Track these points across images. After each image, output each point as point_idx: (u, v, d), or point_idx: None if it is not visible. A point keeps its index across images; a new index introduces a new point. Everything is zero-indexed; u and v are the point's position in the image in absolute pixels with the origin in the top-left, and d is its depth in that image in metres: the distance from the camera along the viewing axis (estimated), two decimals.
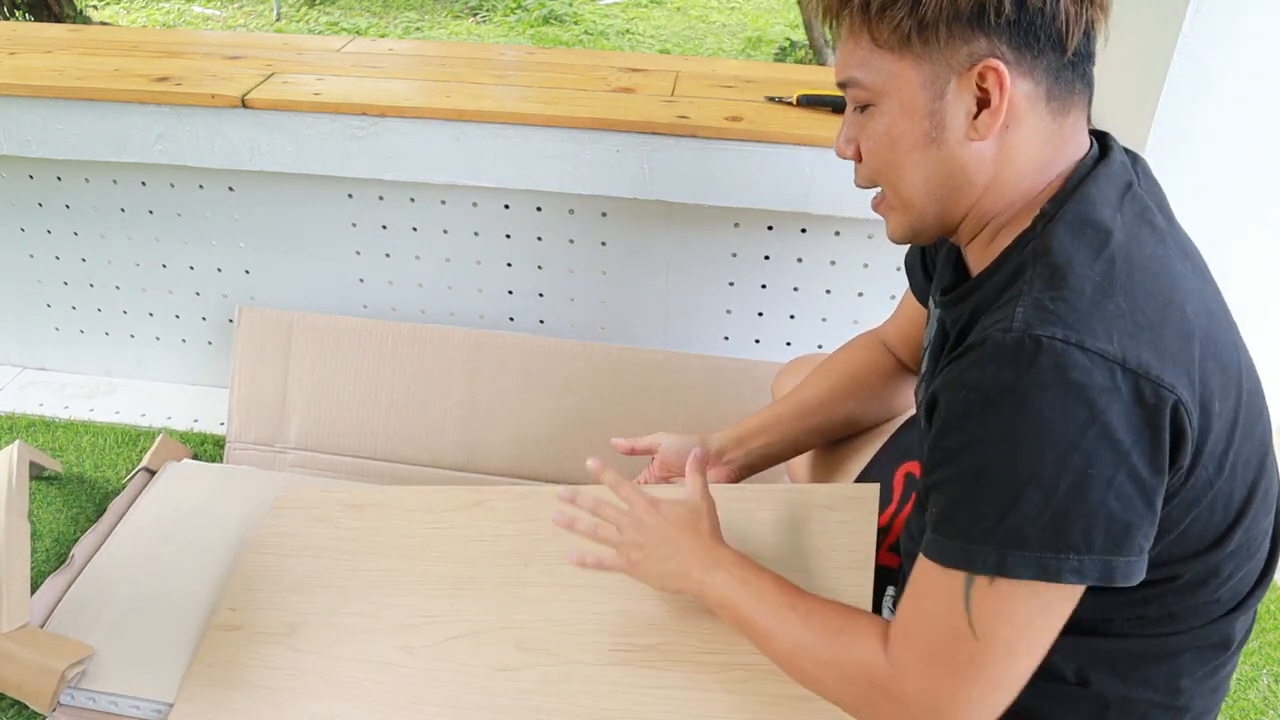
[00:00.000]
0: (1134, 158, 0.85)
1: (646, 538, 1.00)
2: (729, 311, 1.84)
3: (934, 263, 1.03)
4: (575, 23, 5.70)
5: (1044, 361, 0.68)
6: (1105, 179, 0.78)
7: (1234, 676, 1.46)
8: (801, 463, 1.33)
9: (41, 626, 1.38)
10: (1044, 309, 0.70)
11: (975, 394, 0.72)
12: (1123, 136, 1.52)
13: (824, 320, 1.82)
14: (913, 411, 1.24)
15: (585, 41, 5.44)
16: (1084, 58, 0.77)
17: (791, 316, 1.83)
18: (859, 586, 1.06)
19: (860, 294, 1.78)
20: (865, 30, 0.77)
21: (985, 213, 0.82)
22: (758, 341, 1.87)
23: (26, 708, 1.29)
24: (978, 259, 0.86)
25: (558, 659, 1.13)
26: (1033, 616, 0.73)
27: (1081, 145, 0.81)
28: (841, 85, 0.83)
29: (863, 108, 0.82)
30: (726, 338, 1.88)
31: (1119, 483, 0.69)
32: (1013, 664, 0.74)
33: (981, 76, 0.75)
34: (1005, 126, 0.76)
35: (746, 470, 1.22)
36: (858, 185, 0.88)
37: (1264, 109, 1.40)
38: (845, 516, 1.12)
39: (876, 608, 1.07)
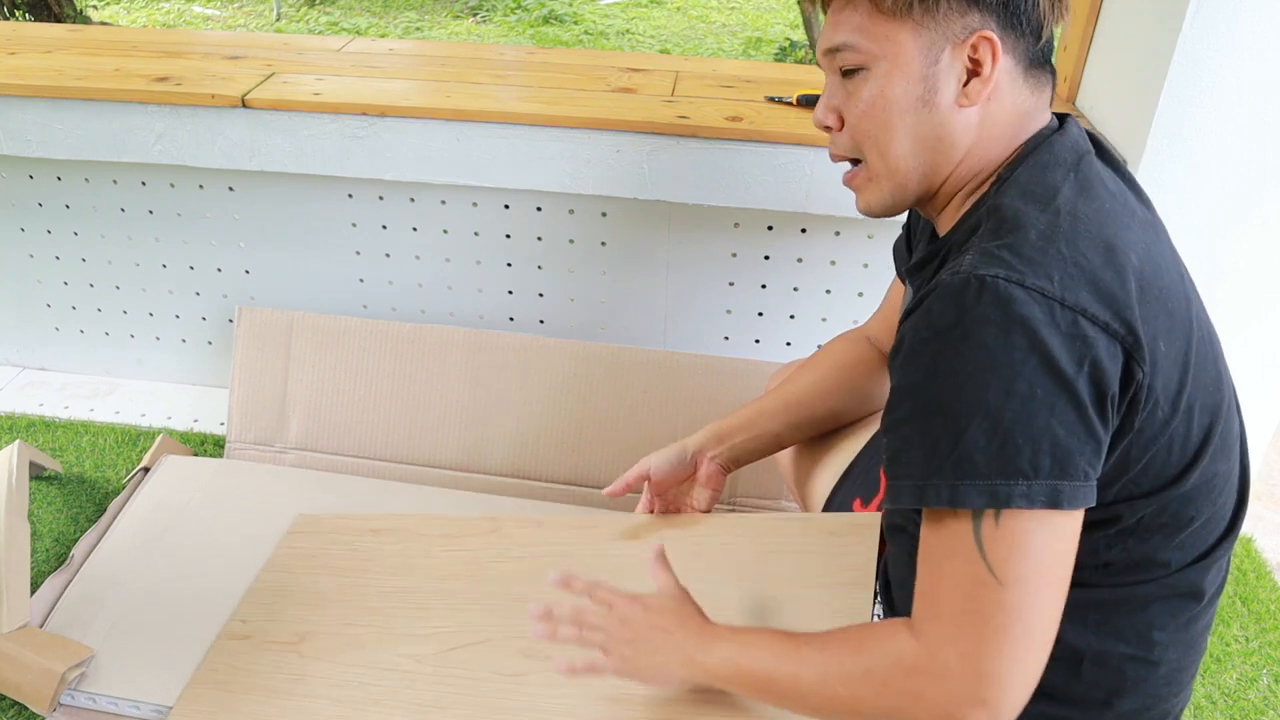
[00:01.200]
0: (1096, 141, 0.89)
1: (634, 632, 0.96)
2: (729, 311, 1.84)
3: (915, 237, 1.07)
4: (575, 23, 5.70)
5: (986, 297, 0.72)
6: (1060, 145, 0.84)
7: (1234, 677, 1.46)
8: (787, 458, 1.34)
9: (41, 626, 1.38)
10: (990, 254, 0.75)
11: (925, 331, 0.76)
12: (1123, 136, 1.53)
13: (824, 320, 1.82)
14: None
15: (585, 41, 5.44)
16: (1049, 49, 0.85)
17: (791, 316, 1.83)
18: (858, 601, 1.07)
19: (860, 294, 1.78)
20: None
21: (960, 179, 0.86)
22: (758, 341, 1.87)
23: (26, 708, 1.29)
24: (945, 223, 0.90)
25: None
26: (1045, 546, 0.74)
27: (1044, 121, 0.87)
28: (830, 51, 0.86)
29: (851, 72, 0.85)
30: (726, 338, 1.88)
31: (1060, 408, 0.72)
32: (1039, 604, 0.74)
33: (974, 48, 0.81)
34: (988, 98, 0.83)
35: (732, 464, 1.23)
36: (835, 155, 0.91)
37: (1264, 109, 1.40)
38: (847, 541, 1.13)
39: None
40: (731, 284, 1.81)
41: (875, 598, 1.08)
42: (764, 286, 1.80)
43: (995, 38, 0.81)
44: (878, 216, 0.92)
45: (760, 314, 1.84)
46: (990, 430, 0.73)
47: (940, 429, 0.75)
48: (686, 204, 1.66)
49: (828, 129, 0.91)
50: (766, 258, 1.76)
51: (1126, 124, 1.52)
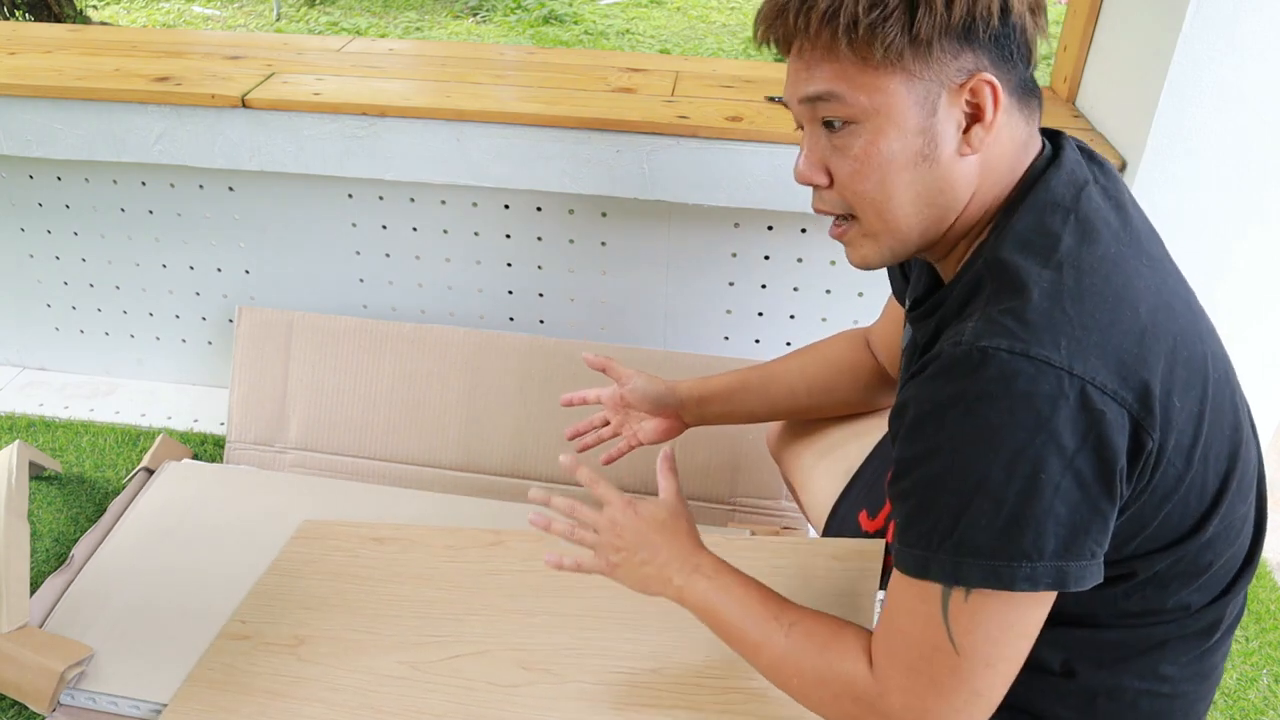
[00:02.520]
0: (1090, 155, 0.85)
1: (624, 540, 0.98)
2: (729, 311, 1.84)
3: (911, 264, 1.03)
4: (575, 23, 5.69)
5: (990, 371, 0.69)
6: (1055, 182, 0.79)
7: (1234, 677, 1.46)
8: (789, 458, 1.34)
9: (41, 626, 1.38)
10: (992, 321, 0.71)
11: (928, 405, 0.73)
12: (1123, 136, 1.53)
13: (824, 320, 1.82)
14: None
15: (585, 41, 5.44)
16: (1034, 67, 0.81)
17: (791, 316, 1.83)
18: (860, 611, 1.08)
19: (860, 294, 1.78)
20: (850, 50, 0.75)
21: (964, 226, 0.81)
22: (758, 341, 1.87)
23: (26, 708, 1.29)
24: (948, 270, 0.86)
25: (559, 678, 1.15)
26: (1009, 626, 0.74)
27: (1037, 147, 0.82)
28: (809, 100, 0.79)
29: (836, 125, 0.78)
30: (726, 338, 1.87)
31: (1066, 488, 0.69)
32: (993, 674, 0.75)
33: (974, 91, 0.75)
34: (991, 139, 0.78)
35: (699, 424, 1.28)
36: (821, 210, 0.84)
37: (1264, 109, 1.40)
38: (851, 566, 1.14)
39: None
40: (731, 284, 1.81)
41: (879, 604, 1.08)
42: (764, 286, 1.80)
43: (994, 79, 0.75)
44: (870, 270, 0.86)
45: (760, 314, 1.84)
46: (993, 510, 0.70)
47: (943, 506, 0.73)
48: (686, 204, 1.66)
49: (815, 186, 0.83)
50: (766, 258, 1.76)
51: (1126, 124, 1.52)
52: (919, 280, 0.94)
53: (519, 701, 1.14)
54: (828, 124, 0.79)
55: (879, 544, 1.13)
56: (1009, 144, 0.79)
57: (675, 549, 0.97)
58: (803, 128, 0.83)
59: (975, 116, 0.76)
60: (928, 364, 0.75)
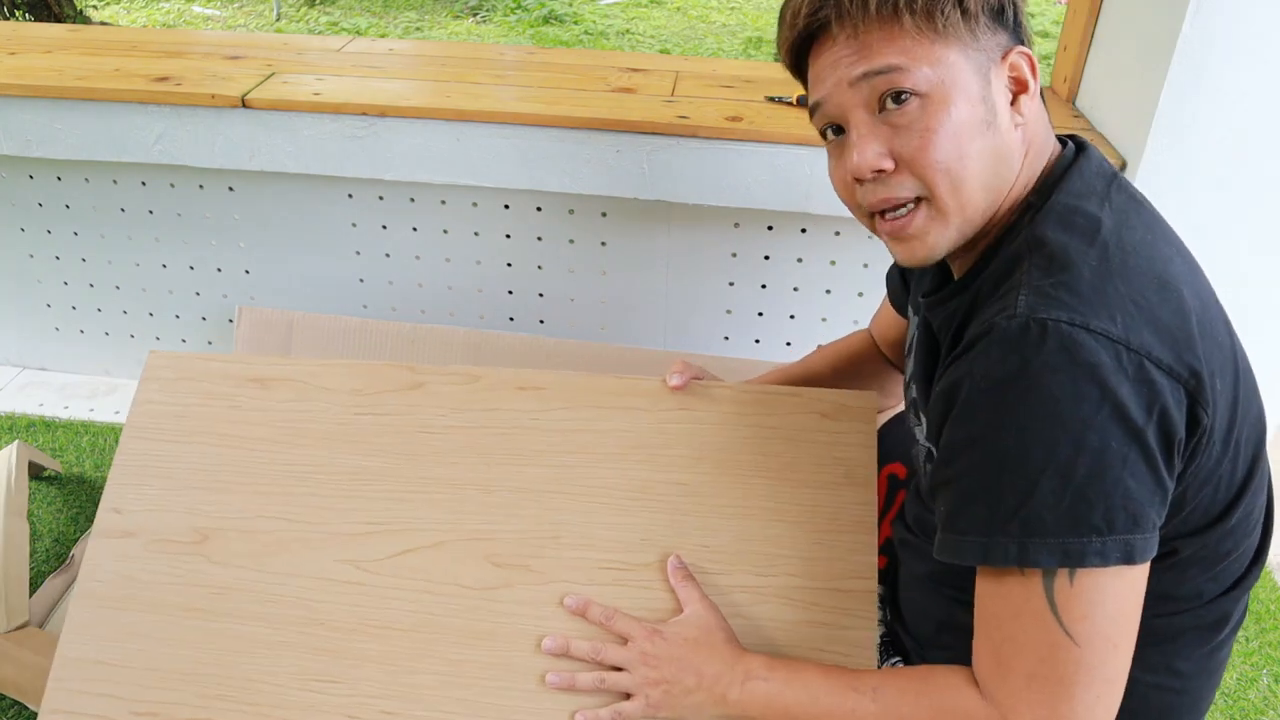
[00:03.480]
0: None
1: (662, 672, 0.89)
2: (729, 311, 1.84)
3: (911, 270, 1.02)
4: (575, 23, 5.69)
5: (1051, 344, 0.68)
6: (1087, 170, 0.81)
7: (1234, 677, 1.46)
8: None
9: (41, 626, 1.38)
10: (1046, 294, 0.70)
11: (984, 382, 0.72)
12: (1123, 136, 1.53)
13: (824, 320, 1.82)
14: (891, 414, 1.24)
15: (585, 41, 5.44)
16: None
17: (791, 316, 1.83)
18: (862, 505, 1.01)
19: (860, 294, 1.78)
20: (911, 21, 0.75)
21: (1005, 207, 0.80)
22: (758, 341, 1.87)
23: (26, 707, 1.29)
24: (961, 260, 0.86)
25: (540, 577, 1.01)
26: (1123, 600, 0.72)
27: (1054, 139, 0.85)
28: (871, 75, 0.76)
29: (899, 99, 0.76)
30: (726, 338, 1.87)
31: (1133, 461, 0.69)
32: (1120, 655, 0.72)
33: (1014, 66, 0.79)
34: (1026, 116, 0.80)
35: None
36: (887, 200, 0.79)
37: (1264, 109, 1.40)
38: (844, 426, 1.05)
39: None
40: (731, 284, 1.81)
41: (881, 602, 1.07)
42: (764, 286, 1.80)
43: (1029, 52, 0.80)
44: (931, 263, 0.82)
45: (760, 314, 1.84)
46: (1061, 486, 0.69)
47: (1006, 485, 0.71)
48: (686, 204, 1.66)
49: (879, 173, 0.79)
50: (766, 258, 1.76)
51: (1126, 124, 1.52)
52: (925, 272, 0.93)
53: (498, 609, 1.00)
54: (890, 99, 0.77)
55: (870, 396, 1.07)
56: (1040, 123, 0.82)
57: (720, 664, 0.89)
58: (831, 133, 0.82)
59: (1019, 89, 0.79)
60: (975, 340, 0.73)
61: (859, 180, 0.80)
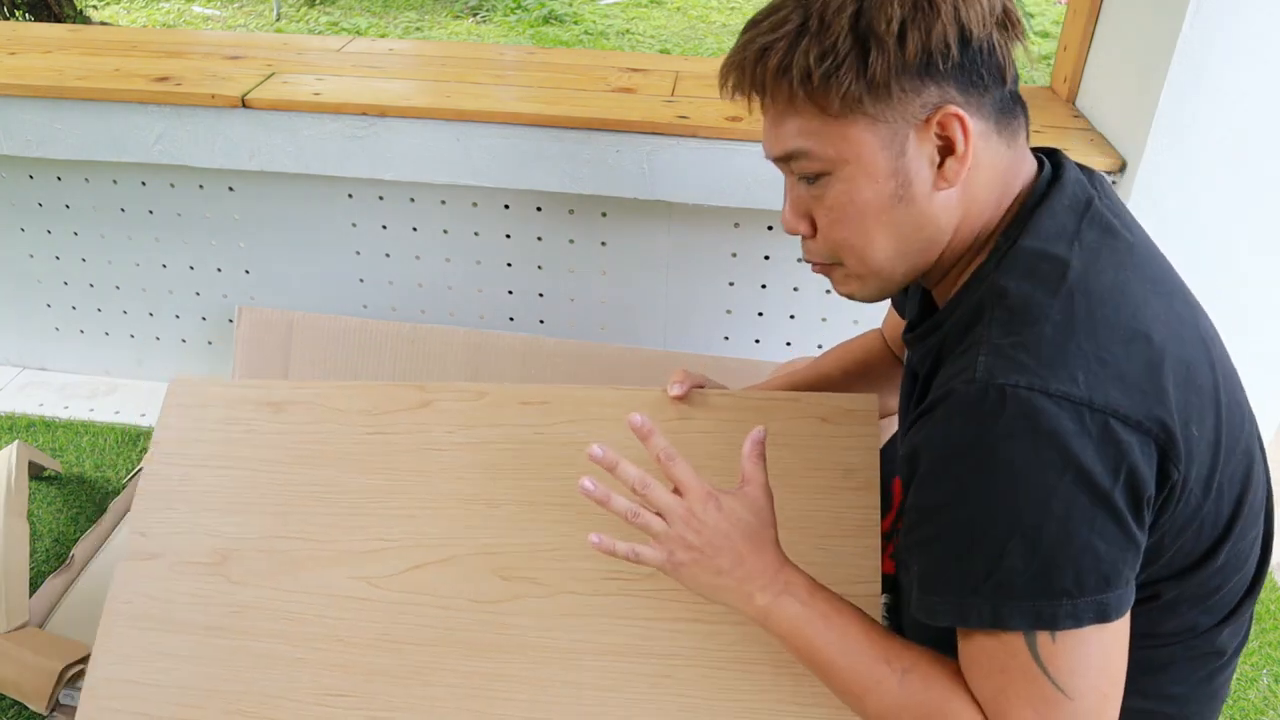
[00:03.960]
0: (1089, 173, 0.83)
1: (702, 538, 0.82)
2: (729, 311, 1.84)
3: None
4: (575, 23, 5.69)
5: (1010, 410, 0.67)
6: (1059, 203, 0.77)
7: (1235, 677, 1.46)
8: None
9: (41, 626, 1.38)
10: (1005, 356, 0.69)
11: (946, 449, 0.71)
12: (1123, 136, 1.53)
13: (824, 320, 1.82)
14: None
15: (585, 41, 5.44)
16: (1016, 81, 0.78)
17: (791, 316, 1.83)
18: (865, 509, 1.00)
19: None
20: (808, 101, 0.73)
21: (954, 254, 0.80)
22: (758, 341, 1.87)
23: (26, 707, 1.29)
24: (943, 294, 0.85)
25: (546, 589, 1.02)
26: (1108, 651, 0.71)
27: (1030, 166, 0.80)
28: (783, 159, 0.79)
29: (813, 178, 0.78)
30: (726, 338, 1.87)
31: (1100, 522, 0.68)
32: (1109, 704, 0.72)
33: (942, 125, 0.73)
34: (968, 169, 0.75)
35: None
36: (812, 259, 0.83)
37: (1264, 109, 1.40)
38: (844, 430, 1.05)
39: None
40: (731, 284, 1.81)
41: (887, 611, 1.06)
42: (764, 286, 1.80)
43: (961, 111, 0.72)
44: (863, 303, 0.85)
45: (760, 314, 1.84)
46: (1029, 552, 0.68)
47: (975, 552, 0.70)
48: (686, 204, 1.66)
49: (800, 234, 0.82)
50: (766, 258, 1.76)
51: (1126, 124, 1.52)
52: (914, 302, 0.93)
53: (506, 621, 1.01)
54: (802, 179, 0.79)
55: (870, 398, 1.07)
56: (991, 169, 0.77)
57: (762, 562, 0.83)
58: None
59: (948, 149, 0.74)
60: (936, 404, 0.72)
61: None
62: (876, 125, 0.73)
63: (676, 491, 0.84)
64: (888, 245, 0.78)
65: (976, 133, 0.74)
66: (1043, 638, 0.70)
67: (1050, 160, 0.82)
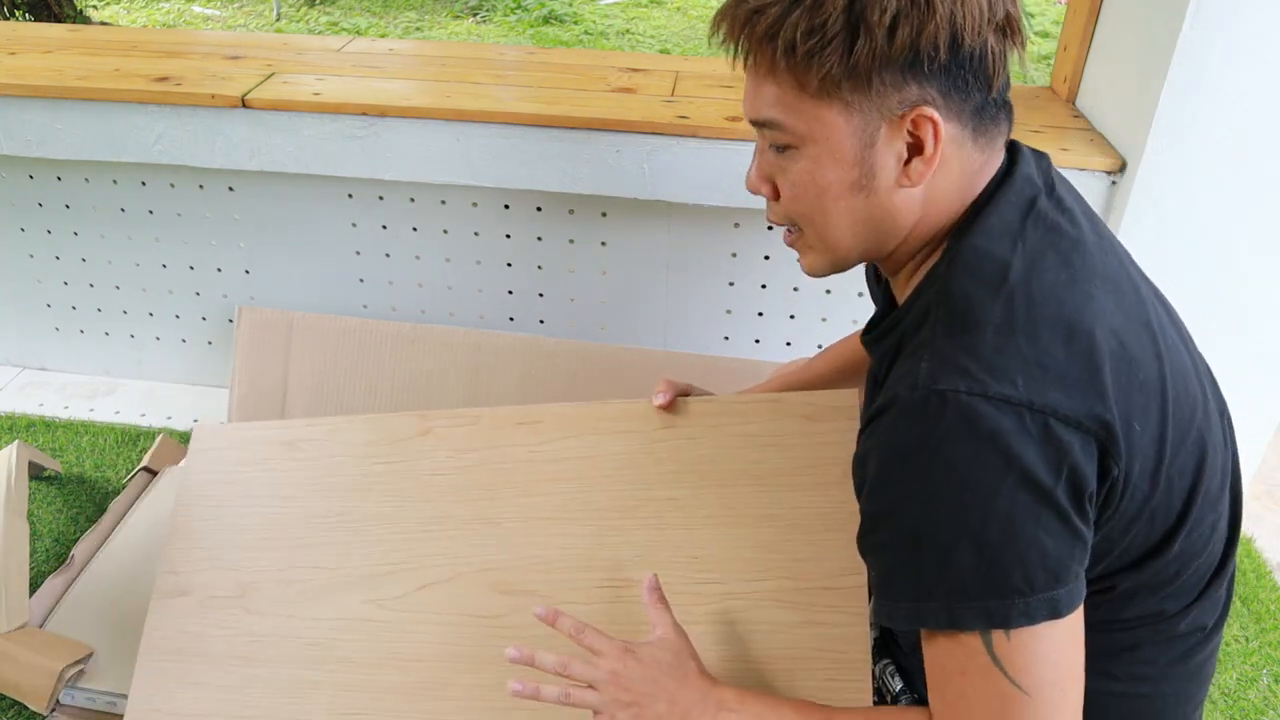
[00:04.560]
0: (1045, 166, 0.83)
1: (632, 694, 0.85)
2: (729, 311, 1.84)
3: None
4: (575, 23, 5.69)
5: (950, 415, 0.68)
6: (1006, 203, 0.77)
7: (1234, 677, 1.46)
8: None
9: (41, 626, 1.38)
10: (945, 361, 0.70)
11: (890, 454, 0.72)
12: (1123, 136, 1.53)
13: (824, 320, 1.82)
14: None
15: (585, 41, 5.44)
16: (1006, 87, 0.77)
17: (791, 316, 1.83)
18: (850, 502, 1.00)
19: (860, 294, 1.78)
20: (789, 73, 0.73)
21: (909, 250, 0.81)
22: (758, 341, 1.87)
23: (26, 707, 1.29)
24: (901, 291, 0.86)
25: (544, 600, 1.06)
26: (1062, 646, 0.72)
27: (994, 168, 0.79)
28: (756, 124, 0.79)
29: (781, 148, 0.78)
30: (726, 338, 1.87)
31: (1045, 520, 0.69)
32: (1067, 697, 0.72)
33: (915, 125, 0.73)
34: (933, 171, 0.75)
35: None
36: (771, 221, 0.86)
37: (1264, 109, 1.40)
38: (827, 426, 1.07)
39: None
40: (731, 284, 1.81)
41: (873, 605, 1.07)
42: (764, 286, 1.80)
43: (936, 115, 0.72)
44: (821, 276, 0.87)
45: (760, 314, 1.84)
46: (976, 553, 0.69)
47: (925, 556, 0.71)
48: (686, 204, 1.66)
49: (762, 195, 0.84)
50: (766, 258, 1.76)
51: (1126, 124, 1.52)
52: (878, 297, 0.94)
53: (508, 634, 1.05)
54: (772, 146, 0.80)
55: (853, 393, 1.08)
56: (958, 175, 0.77)
57: (691, 692, 0.86)
58: None
59: (916, 149, 0.74)
60: (883, 410, 0.73)
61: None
62: (850, 112, 0.73)
63: (598, 658, 0.87)
64: (843, 227, 0.79)
65: (948, 137, 0.74)
66: (998, 636, 0.71)
67: (1007, 155, 0.81)
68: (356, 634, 1.11)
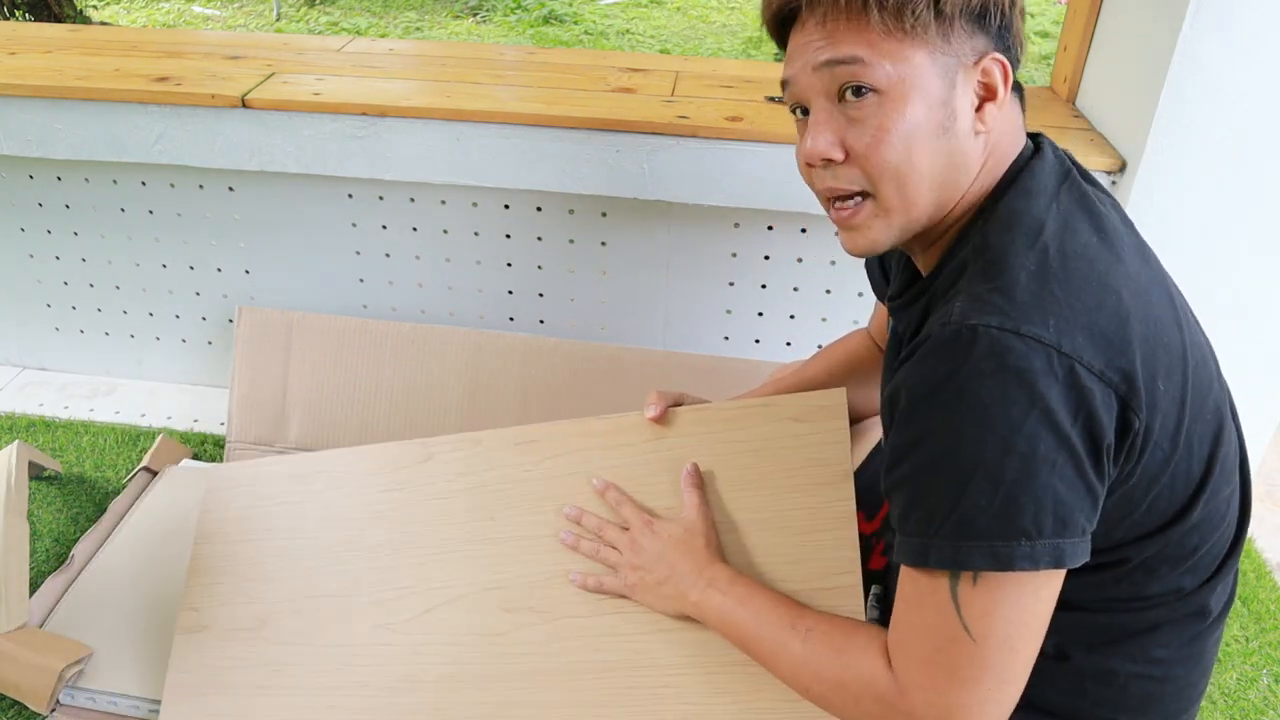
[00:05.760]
0: (1068, 156, 0.87)
1: (643, 560, 1.02)
2: (729, 311, 1.84)
3: (890, 261, 1.03)
4: (575, 23, 5.69)
5: (980, 349, 0.69)
6: (1040, 170, 0.81)
7: (1234, 677, 1.46)
8: None
9: (41, 626, 1.38)
10: (980, 300, 0.72)
11: (920, 388, 0.73)
12: (1123, 136, 1.53)
13: (824, 320, 1.82)
14: None
15: (585, 41, 5.44)
16: (1019, 68, 0.82)
17: (791, 316, 1.83)
18: (841, 502, 1.04)
19: (860, 294, 1.78)
20: (880, 16, 0.75)
21: (961, 210, 0.82)
22: (758, 341, 1.87)
23: (26, 707, 1.29)
24: (924, 257, 0.87)
25: (546, 616, 1.10)
26: (1023, 605, 0.73)
27: (1024, 138, 0.84)
28: (831, 64, 0.77)
29: (857, 93, 0.77)
30: (726, 338, 1.87)
31: (1062, 465, 0.70)
32: (1015, 657, 0.74)
33: (985, 72, 0.78)
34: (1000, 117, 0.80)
35: None
36: (833, 189, 0.81)
37: (1264, 109, 1.40)
38: (816, 427, 1.08)
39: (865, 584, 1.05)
40: (731, 284, 1.81)
41: (877, 601, 1.07)
42: (764, 286, 1.80)
43: (1005, 59, 0.78)
44: (873, 255, 0.86)
45: (760, 314, 1.84)
46: (991, 489, 0.70)
47: (940, 489, 0.73)
48: (686, 204, 1.66)
49: (828, 162, 0.80)
50: (766, 258, 1.76)
51: (1126, 124, 1.52)
52: (899, 273, 0.95)
53: (512, 650, 1.08)
54: (849, 91, 0.77)
55: (840, 392, 1.09)
56: (1008, 130, 0.81)
57: (690, 565, 0.99)
58: (799, 112, 0.83)
59: (988, 95, 0.78)
60: (917, 348, 0.75)
61: (810, 165, 0.82)
62: (935, 55, 0.76)
63: (625, 527, 1.06)
64: (926, 174, 0.78)
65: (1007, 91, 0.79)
66: (964, 576, 0.72)
67: (1031, 139, 0.86)
68: (370, 658, 1.14)
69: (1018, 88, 0.83)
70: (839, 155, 0.80)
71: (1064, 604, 0.79)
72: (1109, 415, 0.70)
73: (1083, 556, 0.73)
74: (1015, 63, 0.80)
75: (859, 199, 0.81)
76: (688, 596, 0.98)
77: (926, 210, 0.81)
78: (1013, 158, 0.82)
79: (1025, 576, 0.72)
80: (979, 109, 0.79)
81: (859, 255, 0.85)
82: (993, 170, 0.81)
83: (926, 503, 0.74)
